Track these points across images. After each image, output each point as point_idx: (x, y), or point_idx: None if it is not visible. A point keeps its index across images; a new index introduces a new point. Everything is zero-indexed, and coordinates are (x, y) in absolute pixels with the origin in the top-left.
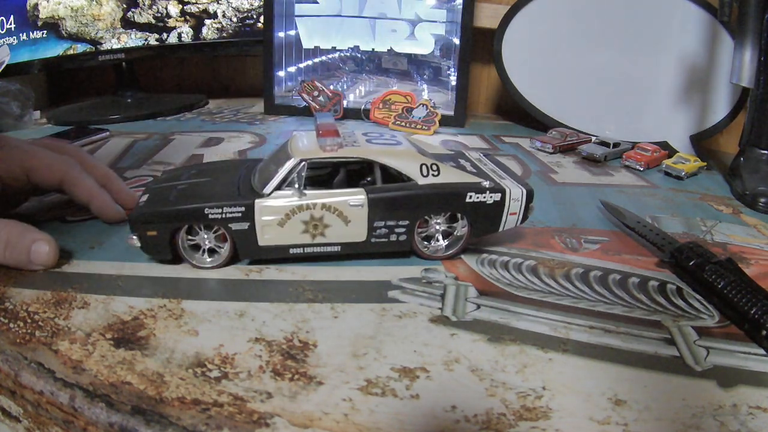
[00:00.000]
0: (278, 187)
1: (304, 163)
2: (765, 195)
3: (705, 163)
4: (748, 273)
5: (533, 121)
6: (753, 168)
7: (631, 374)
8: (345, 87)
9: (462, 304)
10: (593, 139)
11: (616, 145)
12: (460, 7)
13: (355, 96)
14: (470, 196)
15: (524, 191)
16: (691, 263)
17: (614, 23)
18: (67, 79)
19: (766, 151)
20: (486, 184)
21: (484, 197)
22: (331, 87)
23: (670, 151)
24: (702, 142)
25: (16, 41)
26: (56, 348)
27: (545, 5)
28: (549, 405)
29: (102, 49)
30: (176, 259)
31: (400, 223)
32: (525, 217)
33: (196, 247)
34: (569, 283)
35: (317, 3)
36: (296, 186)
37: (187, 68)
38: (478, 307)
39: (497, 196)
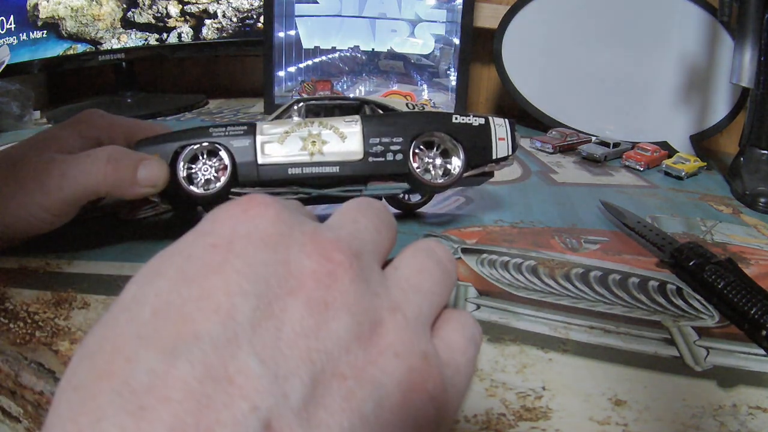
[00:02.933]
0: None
1: (302, 103)
2: (765, 195)
3: (705, 163)
4: (748, 273)
5: (533, 121)
6: (753, 168)
7: (631, 374)
8: (345, 87)
9: (462, 304)
10: (593, 139)
11: (616, 145)
12: (460, 7)
13: (355, 96)
14: (456, 118)
15: (506, 120)
16: (691, 263)
17: (614, 23)
18: (67, 79)
19: (766, 151)
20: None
21: (470, 120)
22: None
23: (670, 151)
24: (702, 142)
25: (16, 41)
26: (56, 348)
27: (545, 5)
28: (549, 405)
29: (102, 49)
30: (173, 197)
31: (395, 140)
32: (515, 147)
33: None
34: (569, 283)
35: (317, 3)
36: (295, 116)
37: (187, 68)
38: (478, 307)
39: (482, 120)
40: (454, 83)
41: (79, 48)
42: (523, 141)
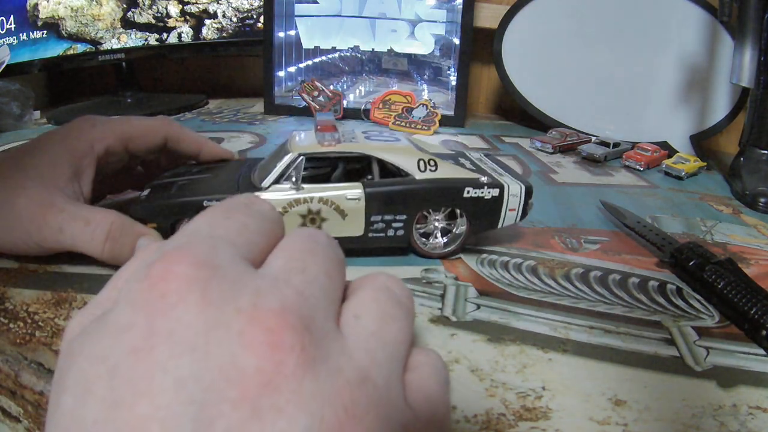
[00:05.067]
0: (276, 182)
1: (302, 157)
2: (765, 195)
3: (705, 163)
4: (748, 273)
5: (533, 121)
6: (753, 168)
7: (631, 374)
8: (345, 87)
9: (462, 304)
10: (593, 139)
11: (616, 145)
12: (460, 7)
13: (355, 96)
14: (468, 191)
15: (523, 187)
16: (691, 263)
17: (614, 23)
18: (67, 79)
19: (766, 151)
20: (484, 179)
21: (482, 192)
22: (331, 87)
23: (670, 151)
24: (702, 142)
25: (16, 41)
26: (56, 348)
27: (545, 5)
28: (549, 405)
29: (102, 49)
30: None
31: (398, 217)
32: (524, 214)
33: None
34: (569, 283)
35: (317, 3)
36: (293, 180)
37: (187, 68)
38: (478, 307)
39: (495, 192)
40: (454, 83)
41: (79, 48)
42: (523, 141)
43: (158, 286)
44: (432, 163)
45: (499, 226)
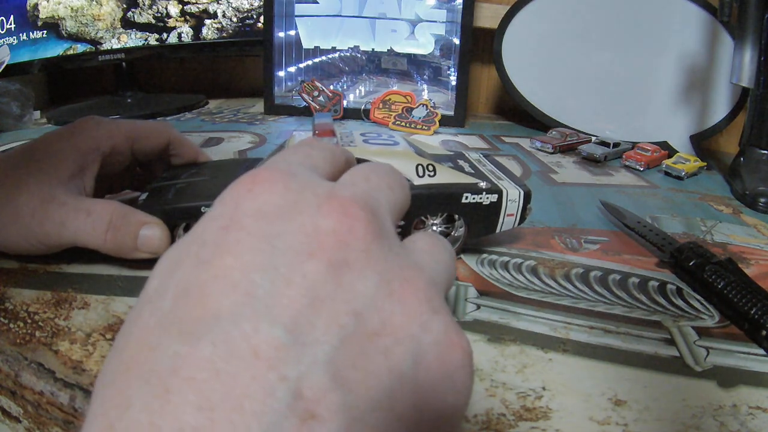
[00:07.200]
0: None
1: None
2: (765, 195)
3: (705, 163)
4: (748, 273)
5: (533, 121)
6: (753, 168)
7: (631, 374)
8: (345, 87)
9: (462, 304)
10: (593, 139)
11: (616, 145)
12: (460, 7)
13: (355, 96)
14: (466, 197)
15: (522, 192)
16: (691, 263)
17: (614, 23)
18: (67, 79)
19: (766, 151)
20: (482, 185)
21: (481, 198)
22: (331, 87)
23: (670, 151)
24: (702, 142)
25: (16, 41)
26: (56, 348)
27: (545, 5)
28: (549, 405)
29: (102, 49)
30: None
31: (396, 223)
32: (523, 219)
33: None
34: (569, 283)
35: (317, 3)
36: None
37: (187, 68)
38: (478, 307)
39: (494, 197)
40: (454, 83)
41: (79, 48)
42: (523, 141)
43: (246, 186)
44: (430, 168)
45: (497, 230)
